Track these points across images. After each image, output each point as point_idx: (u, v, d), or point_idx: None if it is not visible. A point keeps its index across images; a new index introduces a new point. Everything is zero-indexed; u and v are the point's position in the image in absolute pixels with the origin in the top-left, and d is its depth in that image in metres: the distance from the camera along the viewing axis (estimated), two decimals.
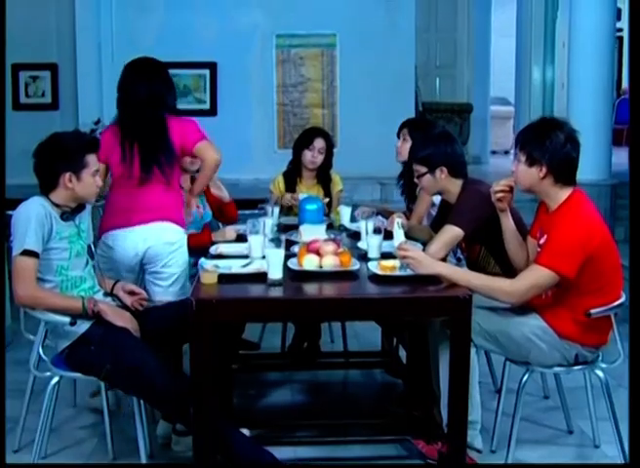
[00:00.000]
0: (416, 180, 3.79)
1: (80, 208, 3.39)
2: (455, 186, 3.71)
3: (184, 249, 3.80)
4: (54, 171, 3.26)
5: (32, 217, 3.16)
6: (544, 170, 3.15)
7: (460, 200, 3.67)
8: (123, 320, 3.28)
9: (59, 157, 3.27)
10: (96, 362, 3.17)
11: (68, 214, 3.32)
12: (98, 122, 8.10)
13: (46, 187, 3.29)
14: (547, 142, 3.14)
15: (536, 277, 3.10)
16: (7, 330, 4.71)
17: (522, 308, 3.27)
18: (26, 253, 3.14)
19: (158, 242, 3.72)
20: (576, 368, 3.30)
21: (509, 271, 3.47)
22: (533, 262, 3.15)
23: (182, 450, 3.46)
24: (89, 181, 3.30)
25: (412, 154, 3.84)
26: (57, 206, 3.29)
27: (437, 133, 3.97)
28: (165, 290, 3.78)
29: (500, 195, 3.32)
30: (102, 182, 3.50)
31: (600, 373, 3.33)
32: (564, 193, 3.20)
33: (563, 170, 3.17)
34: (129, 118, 3.76)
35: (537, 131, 3.22)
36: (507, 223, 3.40)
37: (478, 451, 3.33)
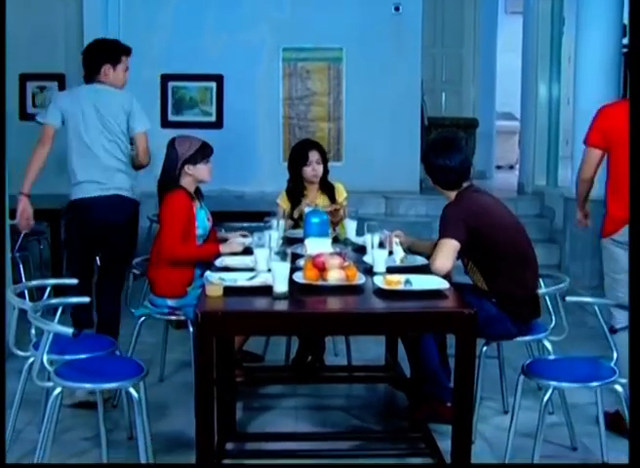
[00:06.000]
0: None
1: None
2: (451, 195, 3.75)
3: None
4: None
5: None
6: None
7: (441, 215, 3.67)
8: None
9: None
10: None
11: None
12: None
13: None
14: None
15: None
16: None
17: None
18: None
19: None
20: (592, 384, 3.32)
21: (494, 285, 3.52)
22: None
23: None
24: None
25: None
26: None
27: (431, 140, 4.01)
28: None
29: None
30: None
31: (619, 388, 3.33)
32: None
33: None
34: None
35: None
36: None
37: None
